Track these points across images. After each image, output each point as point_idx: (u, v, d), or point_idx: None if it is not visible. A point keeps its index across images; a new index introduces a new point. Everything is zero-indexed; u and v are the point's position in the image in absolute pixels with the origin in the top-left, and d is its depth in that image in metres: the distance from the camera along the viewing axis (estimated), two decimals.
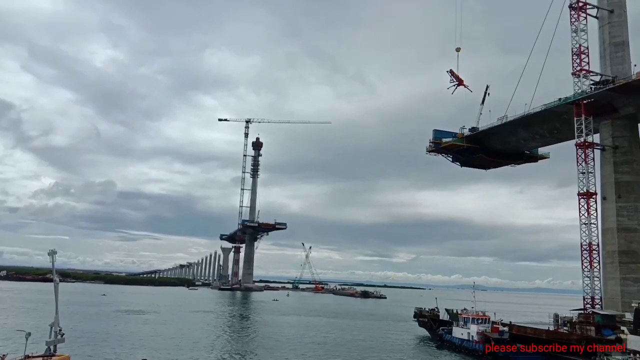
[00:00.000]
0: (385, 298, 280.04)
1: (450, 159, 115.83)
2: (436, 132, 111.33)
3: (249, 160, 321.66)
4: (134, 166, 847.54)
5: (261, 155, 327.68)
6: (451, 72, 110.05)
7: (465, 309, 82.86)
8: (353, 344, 77.17)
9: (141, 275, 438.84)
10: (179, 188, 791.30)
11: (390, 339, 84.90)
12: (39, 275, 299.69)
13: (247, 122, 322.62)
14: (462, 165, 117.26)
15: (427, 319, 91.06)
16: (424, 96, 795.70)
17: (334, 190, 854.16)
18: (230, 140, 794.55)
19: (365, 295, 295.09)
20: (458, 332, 74.30)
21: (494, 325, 70.90)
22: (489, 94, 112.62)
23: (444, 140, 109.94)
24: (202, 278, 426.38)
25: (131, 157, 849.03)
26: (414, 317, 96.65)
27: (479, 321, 71.50)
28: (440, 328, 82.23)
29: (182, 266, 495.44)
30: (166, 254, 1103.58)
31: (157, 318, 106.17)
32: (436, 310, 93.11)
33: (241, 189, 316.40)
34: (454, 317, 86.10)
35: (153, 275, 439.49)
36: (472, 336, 69.80)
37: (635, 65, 77.96)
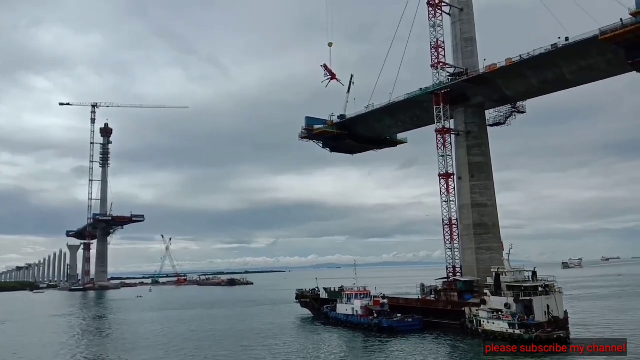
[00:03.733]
0: (253, 284, 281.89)
1: (321, 145, 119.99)
2: (308, 119, 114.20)
3: (97, 149, 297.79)
4: None
5: (111, 143, 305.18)
6: (325, 66, 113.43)
7: (342, 286, 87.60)
8: (238, 333, 76.68)
9: None
10: (7, 181, 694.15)
11: (275, 323, 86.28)
12: None
13: (94, 106, 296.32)
14: (331, 151, 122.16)
15: (310, 299, 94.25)
16: (279, 81, 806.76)
17: (190, 178, 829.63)
18: (70, 126, 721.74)
19: (232, 283, 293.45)
20: (342, 309, 78.29)
21: (375, 299, 76.10)
22: (353, 82, 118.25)
23: (316, 127, 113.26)
24: (47, 280, 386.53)
25: None
26: (296, 298, 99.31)
27: (362, 296, 76.17)
28: (325, 306, 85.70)
29: (19, 268, 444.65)
30: None
31: (10, 327, 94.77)
32: (317, 290, 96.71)
33: (90, 180, 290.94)
34: (333, 294, 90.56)
35: None
36: (357, 311, 74.20)
37: (485, 60, 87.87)
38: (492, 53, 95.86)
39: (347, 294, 78.84)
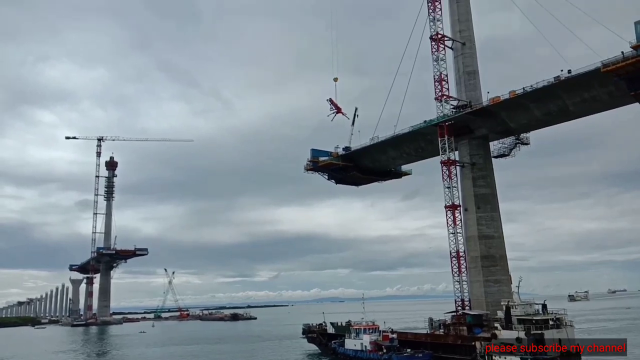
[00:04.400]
0: (256, 319, 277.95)
1: (326, 177, 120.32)
2: (313, 151, 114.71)
3: (102, 182, 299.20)
4: None
5: (116, 176, 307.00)
6: (330, 100, 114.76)
7: (350, 321, 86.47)
8: None
9: None
10: (11, 214, 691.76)
11: (282, 359, 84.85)
12: None
13: (99, 140, 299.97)
14: (337, 183, 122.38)
15: (316, 334, 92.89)
16: (281, 114, 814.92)
17: (192, 211, 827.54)
18: (74, 159, 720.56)
19: (235, 317, 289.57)
20: (351, 344, 77.06)
21: (384, 334, 74.98)
22: (358, 115, 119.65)
23: (321, 159, 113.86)
24: (48, 315, 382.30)
25: None
26: (303, 333, 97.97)
27: (370, 331, 75.07)
28: (332, 342, 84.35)
29: (21, 303, 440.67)
30: None
31: None
32: (324, 325, 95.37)
33: (94, 213, 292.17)
34: (340, 329, 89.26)
35: None
36: (365, 346, 73.01)
37: (488, 93, 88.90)
38: (494, 85, 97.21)
39: (356, 329, 77.73)
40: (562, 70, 76.02)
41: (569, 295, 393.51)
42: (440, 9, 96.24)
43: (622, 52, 66.31)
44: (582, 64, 73.26)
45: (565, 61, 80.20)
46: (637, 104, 73.80)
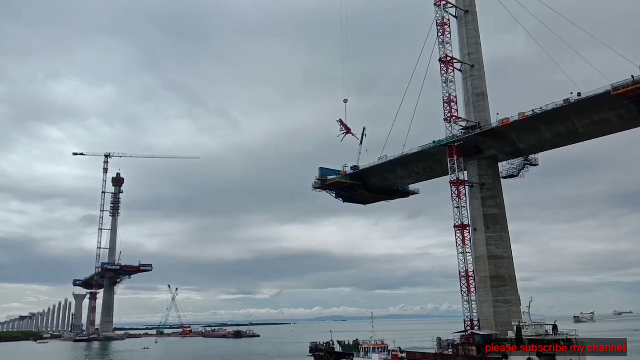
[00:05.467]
0: (259, 336, 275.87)
1: (334, 195, 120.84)
2: (322, 169, 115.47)
3: (108, 198, 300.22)
4: None
5: (122, 192, 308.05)
6: (340, 121, 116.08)
7: (357, 340, 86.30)
8: None
9: None
10: (16, 229, 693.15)
11: None
12: None
13: (107, 156, 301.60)
14: (344, 201, 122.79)
15: (324, 352, 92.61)
16: (286, 133, 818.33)
17: (196, 228, 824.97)
18: (80, 175, 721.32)
19: (238, 335, 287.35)
20: None
21: (393, 353, 74.83)
22: (366, 135, 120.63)
23: (329, 177, 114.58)
24: (51, 330, 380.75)
25: None
26: (310, 352, 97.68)
27: (379, 350, 74.93)
28: None
29: (23, 317, 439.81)
30: None
31: None
32: (331, 343, 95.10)
33: (99, 228, 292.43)
34: (347, 348, 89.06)
35: None
36: None
37: (498, 114, 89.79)
38: (503, 106, 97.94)
39: (365, 348, 77.58)
40: (571, 93, 77.11)
41: (575, 317, 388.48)
42: (449, 32, 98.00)
43: (632, 76, 67.37)
44: (587, 83, 74.39)
45: (573, 83, 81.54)
46: None
